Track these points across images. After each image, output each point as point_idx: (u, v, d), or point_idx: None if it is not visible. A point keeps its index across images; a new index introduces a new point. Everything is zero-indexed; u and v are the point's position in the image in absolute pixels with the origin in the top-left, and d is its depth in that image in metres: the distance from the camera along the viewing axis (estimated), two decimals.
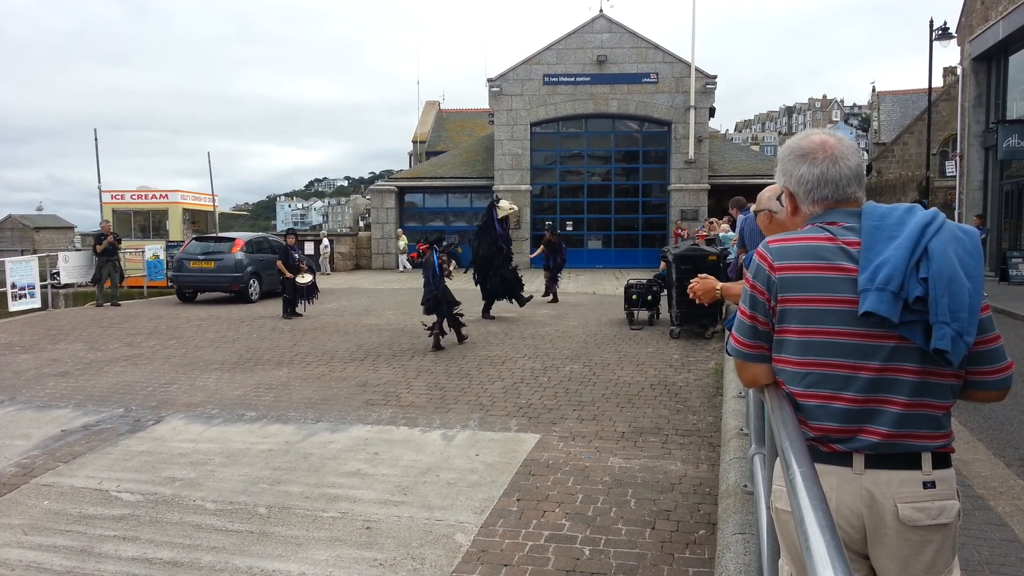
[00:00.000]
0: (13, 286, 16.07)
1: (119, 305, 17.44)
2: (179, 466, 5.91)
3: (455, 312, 11.34)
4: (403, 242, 29.72)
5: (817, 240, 1.98)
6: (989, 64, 22.27)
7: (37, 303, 16.62)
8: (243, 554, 4.34)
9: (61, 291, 20.47)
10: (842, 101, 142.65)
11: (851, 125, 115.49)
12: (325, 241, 29.36)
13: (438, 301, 11.05)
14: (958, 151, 24.26)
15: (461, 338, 11.38)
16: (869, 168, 35.24)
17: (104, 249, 17.33)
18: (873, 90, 54.86)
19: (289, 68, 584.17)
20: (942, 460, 1.95)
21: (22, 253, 21.55)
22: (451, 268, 11.70)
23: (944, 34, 23.36)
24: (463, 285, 14.51)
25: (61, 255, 20.31)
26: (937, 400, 1.91)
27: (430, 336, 10.95)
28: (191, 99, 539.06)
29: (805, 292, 1.94)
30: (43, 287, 17.22)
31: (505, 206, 14.95)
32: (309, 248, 27.15)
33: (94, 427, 7.09)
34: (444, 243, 11.95)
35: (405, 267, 29.18)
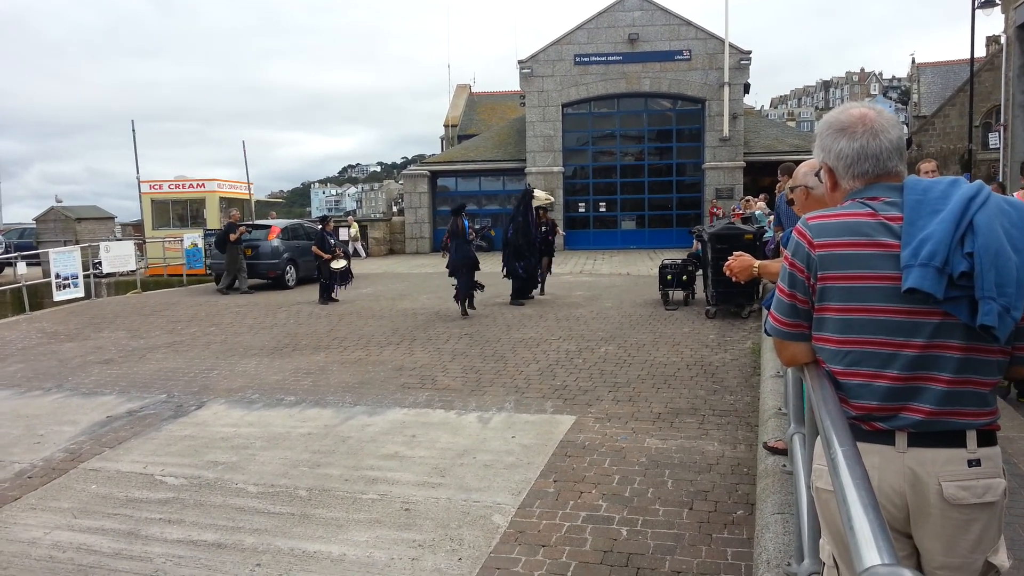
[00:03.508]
0: (57, 276, 16.41)
1: (251, 291, 17.49)
2: (221, 450, 6.02)
3: (476, 280, 12.47)
4: (354, 229, 29.74)
5: (858, 216, 1.94)
6: None
7: (80, 292, 16.95)
8: (285, 536, 4.42)
9: (103, 280, 20.87)
10: (880, 74, 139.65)
11: (890, 98, 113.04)
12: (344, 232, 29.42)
13: (469, 265, 12.25)
14: (1002, 122, 23.61)
15: (468, 309, 12.26)
16: (909, 142, 34.44)
17: (238, 238, 17.54)
18: (913, 62, 53.63)
19: (316, 57, 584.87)
20: (987, 438, 1.91)
21: (64, 244, 21.97)
22: (473, 234, 12.87)
23: (987, 2, 22.69)
24: (494, 268, 14.51)
25: (102, 245, 20.68)
26: (983, 377, 1.87)
27: (457, 303, 12.27)
28: (221, 90, 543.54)
29: (846, 269, 1.91)
30: (86, 277, 17.56)
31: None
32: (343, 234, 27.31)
33: (138, 413, 7.24)
34: (479, 227, 13.20)
35: (359, 254, 29.15)
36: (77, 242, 22.11)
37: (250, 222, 21.74)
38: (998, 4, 22.76)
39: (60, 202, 27.00)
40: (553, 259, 16.23)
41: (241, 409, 7.24)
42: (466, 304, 12.27)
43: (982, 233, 1.79)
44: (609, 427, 6.18)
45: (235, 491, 5.15)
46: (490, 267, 13.89)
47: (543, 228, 15.14)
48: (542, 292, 15.00)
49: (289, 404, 7.35)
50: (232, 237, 17.28)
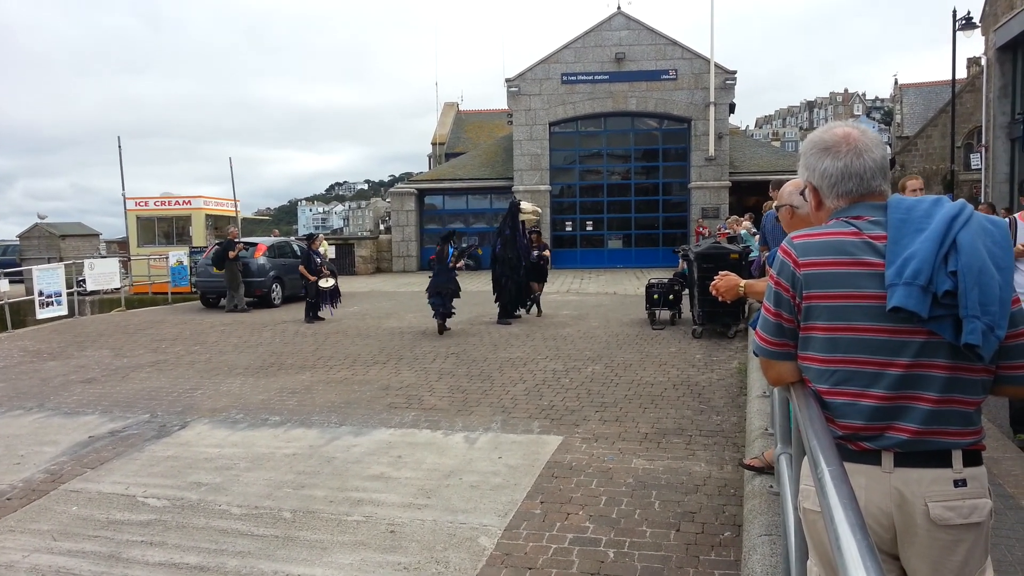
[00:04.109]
0: (40, 294, 16.27)
1: (235, 309, 17.28)
2: (204, 471, 5.94)
3: (451, 305, 12.84)
4: (323, 248, 29.51)
5: (842, 235, 1.95)
6: (1015, 53, 21.89)
7: (64, 310, 16.80)
8: (269, 559, 4.36)
9: (87, 298, 20.70)
10: (864, 95, 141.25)
11: (873, 119, 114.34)
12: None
13: (447, 291, 12.70)
14: (983, 143, 23.90)
15: (442, 328, 12.67)
16: (892, 162, 34.70)
17: (236, 255, 17.35)
18: (895, 83, 54.32)
19: (304, 75, 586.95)
20: (973, 458, 1.91)
21: (48, 261, 21.80)
22: (460, 264, 13.40)
23: (968, 24, 23.05)
24: (483, 287, 14.50)
25: (87, 262, 20.53)
26: (968, 396, 1.87)
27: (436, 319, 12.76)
28: (209, 106, 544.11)
29: (831, 288, 1.91)
30: (69, 294, 17.42)
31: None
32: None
33: (121, 433, 7.16)
34: (465, 246, 13.17)
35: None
36: (61, 259, 21.97)
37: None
38: (979, 26, 23.12)
39: (44, 218, 26.82)
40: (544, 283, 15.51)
41: (225, 429, 7.17)
42: (442, 323, 12.69)
43: (965, 252, 1.80)
44: (596, 448, 6.15)
45: (218, 513, 5.08)
46: (479, 286, 13.85)
47: (535, 252, 14.65)
48: (539, 313, 14.65)
49: (274, 424, 7.28)
50: (231, 254, 17.19)
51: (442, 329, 12.54)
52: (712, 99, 28.31)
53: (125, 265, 24.51)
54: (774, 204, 3.97)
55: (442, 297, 12.66)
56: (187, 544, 4.60)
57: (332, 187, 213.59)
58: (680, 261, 15.41)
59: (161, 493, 5.49)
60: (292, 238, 24.33)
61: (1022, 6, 20.10)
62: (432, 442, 6.51)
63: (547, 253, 14.93)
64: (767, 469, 4.71)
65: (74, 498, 5.50)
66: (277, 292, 18.36)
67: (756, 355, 2.22)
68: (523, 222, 14.47)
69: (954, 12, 23.28)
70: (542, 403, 7.69)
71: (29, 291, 17.08)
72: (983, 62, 24.33)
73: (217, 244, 19.26)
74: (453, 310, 12.97)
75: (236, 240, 17.76)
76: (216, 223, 28.55)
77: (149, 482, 5.75)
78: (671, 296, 12.89)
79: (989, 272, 1.80)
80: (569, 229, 30.52)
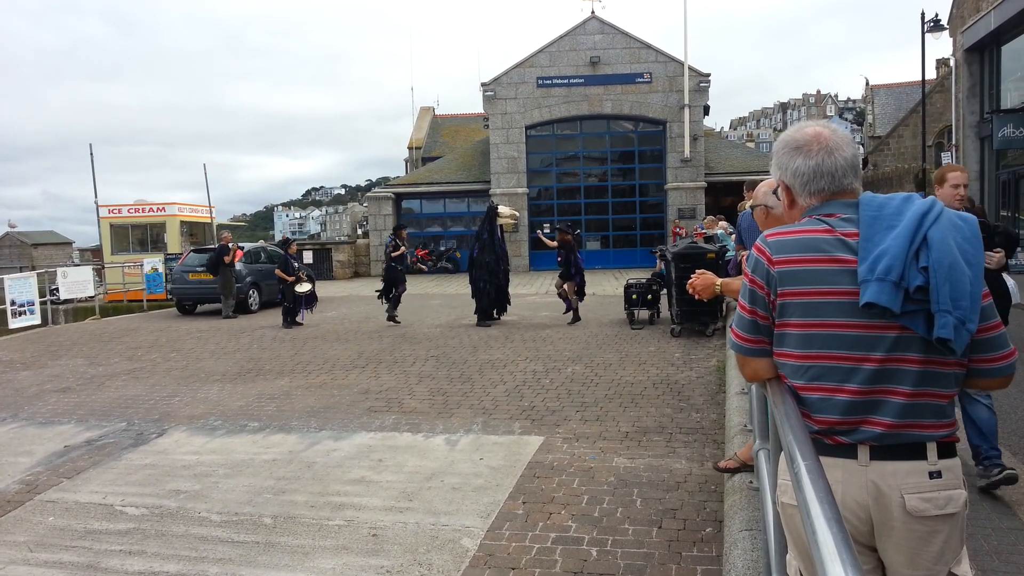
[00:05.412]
0: (12, 303, 16.04)
1: (234, 316, 17.14)
2: (183, 479, 5.89)
3: (393, 295, 14.16)
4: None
5: (815, 232, 1.97)
6: (982, 54, 22.26)
7: (37, 319, 16.59)
8: (250, 565, 4.33)
9: (61, 307, 20.44)
10: (836, 96, 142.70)
11: (845, 119, 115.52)
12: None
13: (387, 283, 14.21)
14: (953, 142, 24.27)
15: (391, 317, 14.24)
16: (865, 162, 35.24)
17: (231, 261, 17.14)
18: (867, 84, 54.93)
19: (279, 80, 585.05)
20: (947, 449, 1.94)
21: (21, 270, 21.51)
22: (396, 253, 14.41)
23: (936, 26, 23.40)
24: (461, 290, 14.48)
25: (60, 271, 20.27)
26: (941, 389, 1.91)
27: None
28: (183, 112, 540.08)
29: (805, 285, 1.94)
30: (42, 303, 17.19)
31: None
32: (308, 257, 27.19)
33: (97, 442, 7.08)
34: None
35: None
36: (33, 268, 21.67)
37: (212, 246, 21.47)
38: (946, 28, 23.48)
39: (15, 227, 26.46)
40: (580, 283, 13.71)
41: (203, 436, 7.11)
42: (387, 313, 14.26)
43: (936, 247, 1.83)
44: (577, 447, 6.17)
45: (198, 520, 5.04)
46: (457, 289, 13.84)
47: (561, 249, 13.59)
48: (577, 318, 13.50)
49: (253, 430, 7.23)
50: (226, 259, 17.02)
51: (390, 318, 14.15)
52: (687, 101, 28.49)
53: (99, 273, 24.24)
54: (748, 204, 4.02)
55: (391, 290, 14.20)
56: (167, 552, 4.56)
57: (309, 192, 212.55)
58: (658, 261, 15.49)
59: (139, 502, 5.44)
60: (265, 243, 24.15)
61: (988, 8, 20.45)
62: (413, 445, 6.50)
63: (560, 256, 13.54)
64: (742, 468, 4.75)
65: (50, 508, 5.43)
66: (254, 298, 18.22)
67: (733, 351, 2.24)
68: (501, 226, 14.46)
69: (922, 14, 23.63)
70: (523, 404, 7.70)
71: (1, 301, 16.83)
72: (952, 63, 24.71)
73: (192, 249, 19.08)
74: (387, 297, 14.22)
75: (230, 245, 17.59)
76: (191, 230, 28.31)
77: (127, 491, 5.69)
78: (649, 296, 12.96)
79: (960, 267, 1.83)
80: (547, 231, 30.58)
